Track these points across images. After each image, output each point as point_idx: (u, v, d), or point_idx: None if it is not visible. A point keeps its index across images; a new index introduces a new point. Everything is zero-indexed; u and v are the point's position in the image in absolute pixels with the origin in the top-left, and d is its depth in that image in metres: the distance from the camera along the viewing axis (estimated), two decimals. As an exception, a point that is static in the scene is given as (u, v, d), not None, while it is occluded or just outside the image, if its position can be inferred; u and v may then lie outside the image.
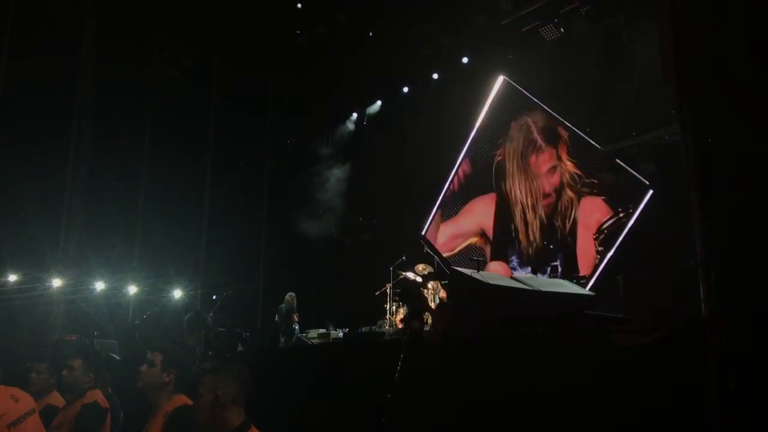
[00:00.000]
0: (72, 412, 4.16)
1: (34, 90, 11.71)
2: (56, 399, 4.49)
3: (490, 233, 12.07)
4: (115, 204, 13.77)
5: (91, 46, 12.88)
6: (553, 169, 11.06)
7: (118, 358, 8.98)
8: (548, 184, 11.12)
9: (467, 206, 12.66)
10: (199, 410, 3.00)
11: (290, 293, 12.02)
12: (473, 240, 12.39)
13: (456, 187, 12.96)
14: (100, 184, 13.09)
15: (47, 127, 12.33)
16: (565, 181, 10.85)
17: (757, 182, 3.42)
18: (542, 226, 11.08)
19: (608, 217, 10.07)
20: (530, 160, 11.49)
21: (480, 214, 12.36)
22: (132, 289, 13.57)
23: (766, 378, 3.06)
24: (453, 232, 12.79)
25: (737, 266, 3.33)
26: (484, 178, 12.36)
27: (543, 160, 11.28)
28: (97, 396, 4.28)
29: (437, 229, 13.04)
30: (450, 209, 12.99)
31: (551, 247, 10.84)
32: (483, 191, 12.38)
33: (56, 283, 12.09)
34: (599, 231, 9.97)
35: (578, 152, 10.77)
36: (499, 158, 12.10)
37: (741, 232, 3.40)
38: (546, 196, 11.11)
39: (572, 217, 10.61)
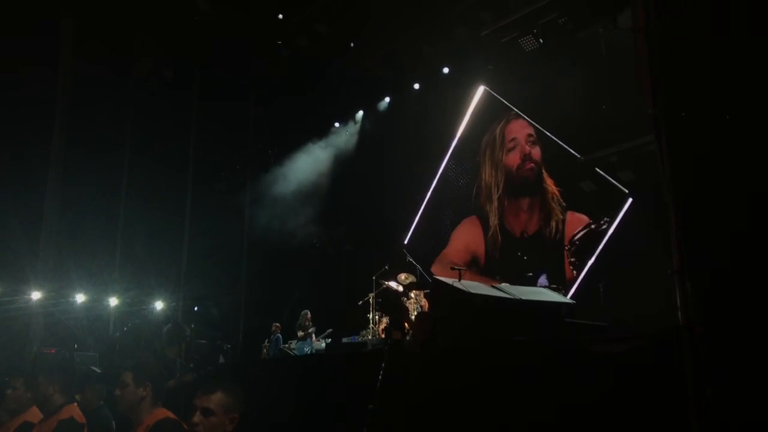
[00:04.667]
0: (48, 429, 4.10)
1: (11, 99, 11.58)
2: (34, 415, 4.42)
3: (482, 259, 11.76)
4: (95, 215, 13.58)
5: (70, 55, 12.78)
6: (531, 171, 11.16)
7: (98, 370, 8.86)
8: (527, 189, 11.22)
9: (455, 233, 12.47)
10: (208, 428, 2.94)
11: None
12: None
13: (438, 196, 12.99)
14: (79, 194, 12.92)
15: (26, 137, 12.18)
16: (549, 196, 10.87)
17: (732, 191, 3.47)
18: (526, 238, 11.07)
19: (579, 228, 10.12)
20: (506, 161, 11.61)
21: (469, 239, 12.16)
22: (113, 301, 13.40)
23: (742, 385, 3.10)
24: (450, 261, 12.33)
25: (713, 274, 3.38)
26: (465, 192, 12.39)
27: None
28: (74, 411, 4.23)
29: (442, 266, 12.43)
30: (437, 227, 12.90)
31: (525, 258, 10.80)
32: (465, 212, 12.32)
33: (35, 295, 11.92)
34: (571, 243, 10.02)
35: (556, 168, 10.86)
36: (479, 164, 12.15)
37: (716, 241, 3.44)
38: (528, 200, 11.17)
39: (560, 231, 10.63)
